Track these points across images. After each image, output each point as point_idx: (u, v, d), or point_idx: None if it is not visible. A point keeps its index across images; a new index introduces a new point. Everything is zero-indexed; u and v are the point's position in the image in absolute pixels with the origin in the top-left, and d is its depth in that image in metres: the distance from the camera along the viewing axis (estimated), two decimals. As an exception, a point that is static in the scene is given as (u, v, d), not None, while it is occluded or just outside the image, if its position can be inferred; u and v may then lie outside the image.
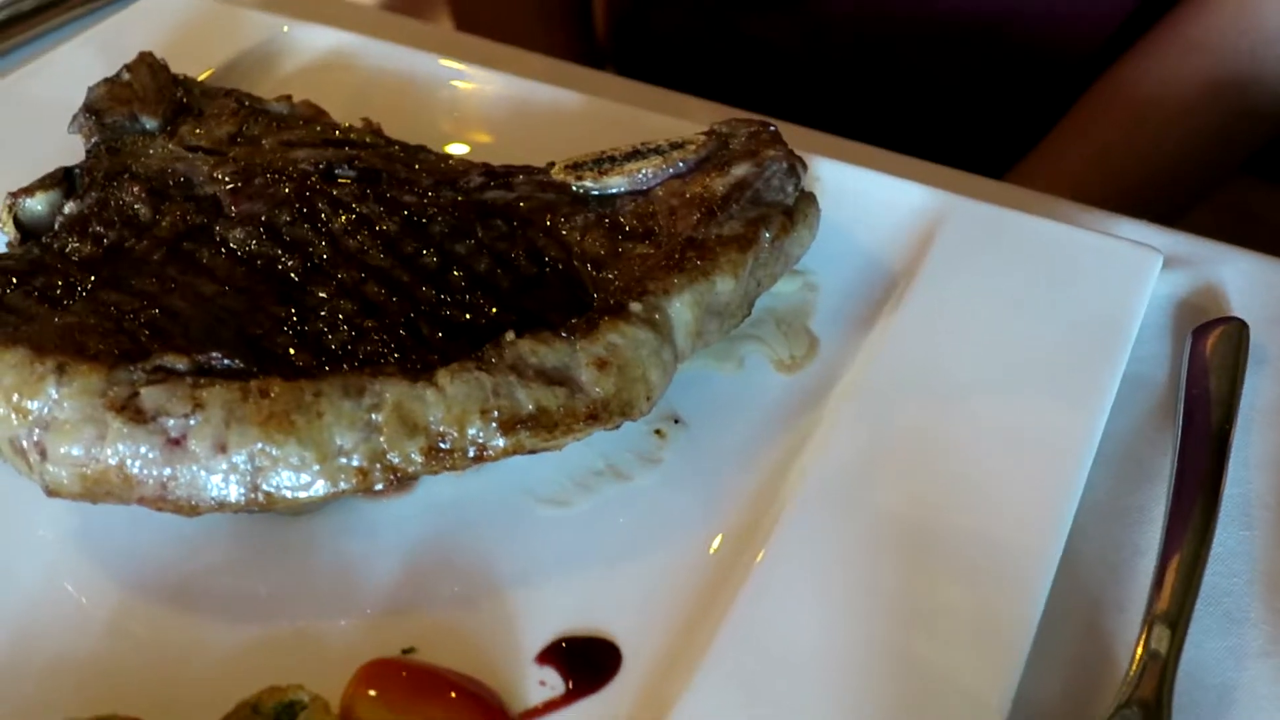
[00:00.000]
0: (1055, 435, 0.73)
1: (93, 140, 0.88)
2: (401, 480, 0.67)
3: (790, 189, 0.82)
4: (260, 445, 0.65)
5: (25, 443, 0.66)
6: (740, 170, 0.81)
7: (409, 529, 0.72)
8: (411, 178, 0.86)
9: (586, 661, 0.65)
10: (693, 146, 0.85)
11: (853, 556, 0.67)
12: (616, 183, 0.84)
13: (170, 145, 0.88)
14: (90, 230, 0.80)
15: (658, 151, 0.85)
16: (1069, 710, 0.64)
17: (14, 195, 0.82)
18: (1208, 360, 0.82)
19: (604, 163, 0.85)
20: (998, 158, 1.24)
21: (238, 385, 0.67)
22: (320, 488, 0.66)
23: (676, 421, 0.77)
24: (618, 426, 0.71)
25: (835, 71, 1.35)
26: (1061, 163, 1.22)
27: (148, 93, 0.91)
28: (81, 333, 0.71)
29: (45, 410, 0.66)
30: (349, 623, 0.68)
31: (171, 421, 0.65)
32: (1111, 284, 0.84)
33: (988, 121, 1.36)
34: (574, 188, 0.84)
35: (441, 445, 0.67)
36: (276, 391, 0.67)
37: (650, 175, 0.84)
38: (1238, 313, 0.87)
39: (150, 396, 0.66)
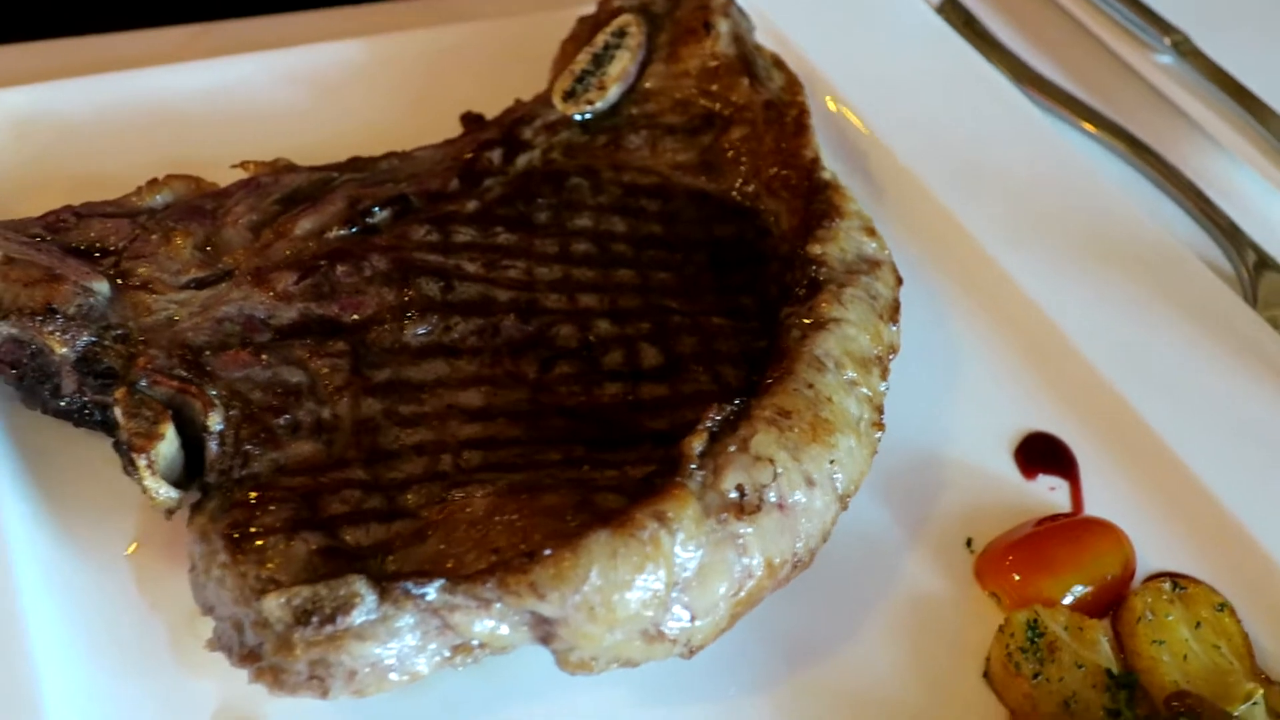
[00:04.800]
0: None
1: (80, 343, 0.61)
2: (880, 414, 0.67)
3: (753, 23, 0.84)
4: (828, 457, 0.61)
5: (666, 620, 0.55)
6: (725, 26, 0.82)
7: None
8: (430, 189, 0.73)
9: (1053, 455, 0.73)
10: (635, 29, 0.82)
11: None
12: (615, 92, 0.79)
13: (167, 297, 0.64)
14: (271, 429, 0.60)
15: (614, 47, 0.81)
16: None
17: (140, 454, 0.57)
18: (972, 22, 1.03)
19: (588, 78, 0.79)
20: None
21: (761, 420, 0.60)
22: (865, 461, 0.63)
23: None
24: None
25: None
26: None
27: (38, 257, 0.63)
28: (535, 489, 0.57)
29: (677, 570, 0.54)
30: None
31: (772, 493, 0.58)
32: (887, 4, 0.99)
33: None
34: (576, 116, 0.78)
35: (887, 360, 0.67)
36: (788, 405, 0.61)
37: (633, 71, 0.80)
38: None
39: (744, 483, 0.57)
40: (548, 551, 0.53)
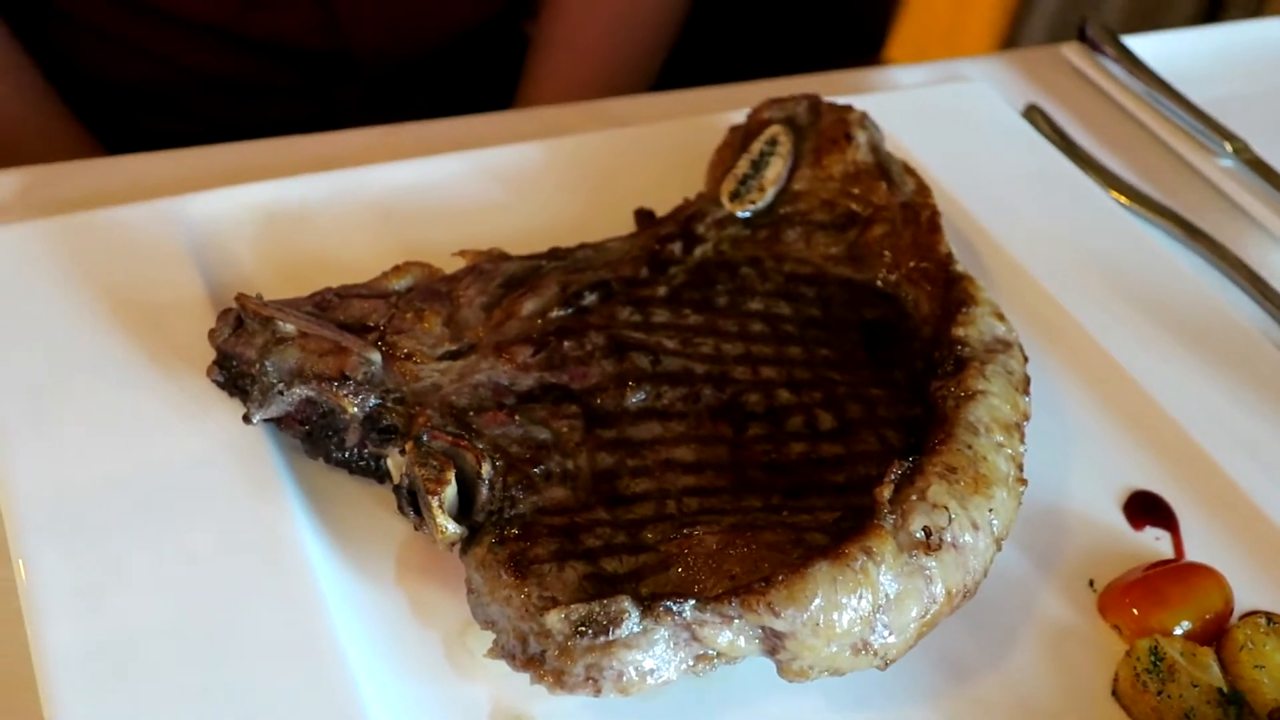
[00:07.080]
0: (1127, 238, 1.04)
1: (369, 405, 0.73)
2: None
3: (883, 134, 0.98)
4: (988, 506, 0.73)
5: (871, 636, 0.67)
6: (863, 137, 0.95)
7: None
8: (625, 275, 0.86)
9: (1155, 509, 0.85)
10: (783, 138, 0.95)
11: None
12: (771, 193, 0.93)
13: (430, 366, 0.77)
14: (530, 477, 0.72)
15: (769, 154, 0.94)
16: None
17: (433, 497, 0.69)
18: (1055, 128, 1.17)
19: (749, 181, 0.93)
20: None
21: (933, 475, 0.72)
22: (1013, 510, 0.75)
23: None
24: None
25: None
26: (561, 85, 1.42)
27: (324, 331, 0.76)
28: (754, 529, 0.69)
29: (880, 595, 0.67)
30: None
31: (948, 535, 0.70)
32: (986, 115, 1.13)
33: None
34: (740, 214, 0.91)
35: (1023, 426, 0.79)
36: (953, 463, 0.73)
37: (785, 175, 0.94)
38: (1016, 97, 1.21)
39: (928, 525, 0.69)
40: (781, 577, 0.65)
